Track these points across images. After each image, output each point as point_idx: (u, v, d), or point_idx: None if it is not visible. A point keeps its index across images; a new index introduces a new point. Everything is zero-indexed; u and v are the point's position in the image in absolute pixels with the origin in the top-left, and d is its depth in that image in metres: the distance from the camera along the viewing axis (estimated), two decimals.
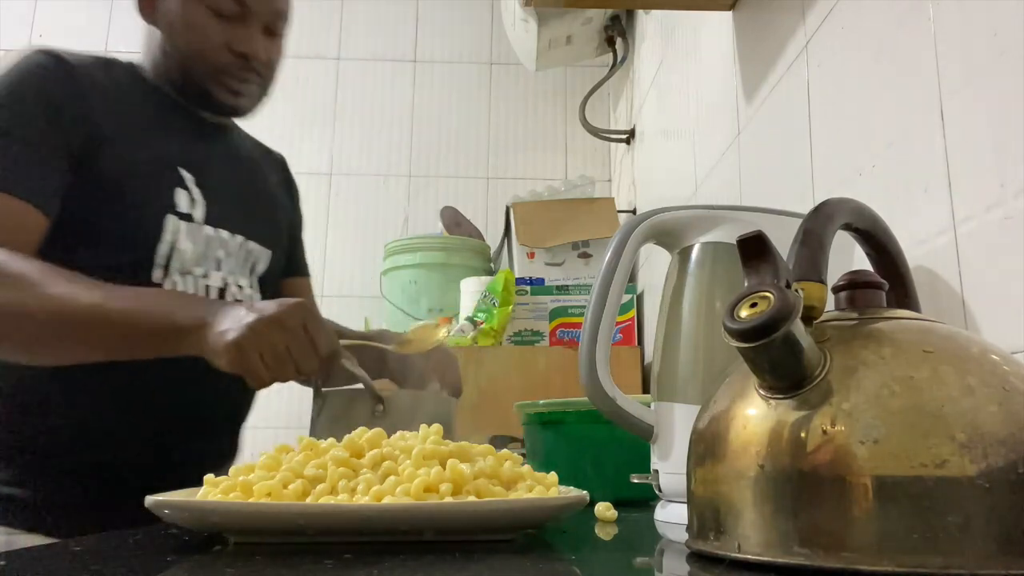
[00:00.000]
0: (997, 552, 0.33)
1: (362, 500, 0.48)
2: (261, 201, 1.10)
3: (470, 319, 1.79)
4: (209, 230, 0.97)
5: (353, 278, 2.28)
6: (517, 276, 1.83)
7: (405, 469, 0.51)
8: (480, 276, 1.93)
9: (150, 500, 0.48)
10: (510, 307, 1.76)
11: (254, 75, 1.00)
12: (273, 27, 1.02)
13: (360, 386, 0.88)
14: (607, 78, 2.09)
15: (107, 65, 0.97)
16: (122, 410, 0.91)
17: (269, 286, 1.08)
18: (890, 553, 0.34)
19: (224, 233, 0.99)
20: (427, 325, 0.98)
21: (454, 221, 2.16)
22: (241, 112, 1.03)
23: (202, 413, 0.97)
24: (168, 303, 0.82)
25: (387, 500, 0.48)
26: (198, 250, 0.95)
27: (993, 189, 0.56)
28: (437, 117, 2.42)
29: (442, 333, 0.97)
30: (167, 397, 0.92)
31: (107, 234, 0.90)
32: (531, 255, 1.87)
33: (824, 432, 0.36)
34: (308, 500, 0.49)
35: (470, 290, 1.87)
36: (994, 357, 0.38)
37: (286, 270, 1.15)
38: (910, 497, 0.34)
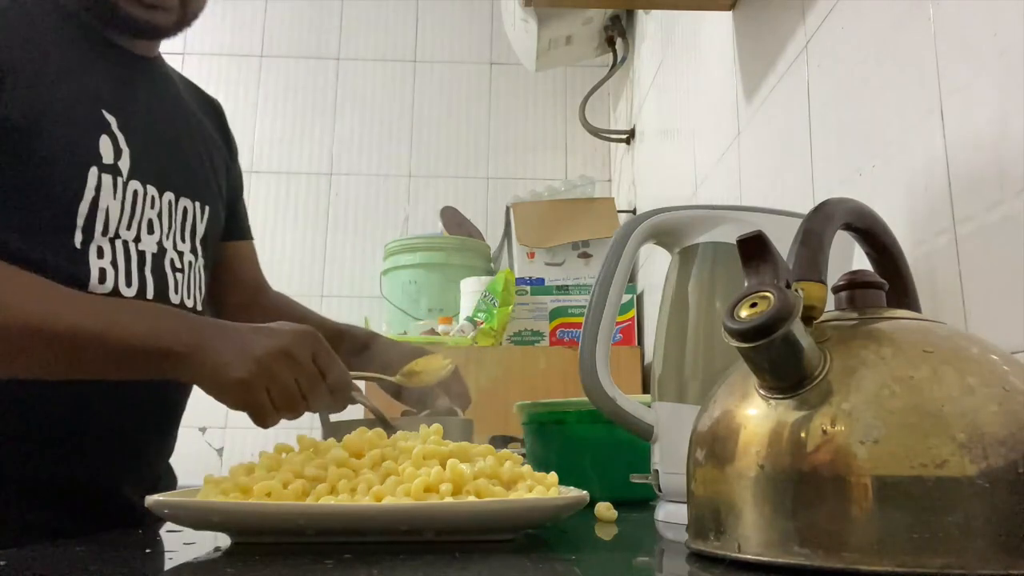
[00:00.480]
0: (997, 552, 0.33)
1: (362, 500, 0.48)
2: (195, 149, 0.95)
3: (470, 319, 1.79)
4: (136, 185, 0.83)
5: (353, 278, 2.28)
6: (517, 276, 1.83)
7: (405, 469, 0.51)
8: (480, 276, 1.93)
9: (150, 500, 0.48)
10: (510, 307, 1.76)
11: None
12: None
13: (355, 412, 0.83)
14: (607, 78, 2.09)
15: None
16: (49, 412, 0.78)
17: (210, 248, 0.95)
18: (890, 553, 0.34)
19: (152, 190, 0.85)
20: (433, 356, 0.91)
21: (454, 221, 2.16)
22: (159, 29, 0.87)
23: (136, 413, 0.85)
24: (150, 320, 0.71)
25: (387, 500, 0.48)
26: (125, 210, 0.81)
27: (993, 189, 0.56)
28: (437, 117, 2.42)
29: (448, 363, 0.91)
30: (96, 395, 0.80)
31: (15, 192, 0.75)
32: (531, 255, 1.87)
33: (824, 432, 0.36)
34: (308, 500, 0.49)
35: (470, 290, 1.87)
36: (994, 357, 0.38)
37: (227, 232, 1.02)
38: (910, 497, 0.34)
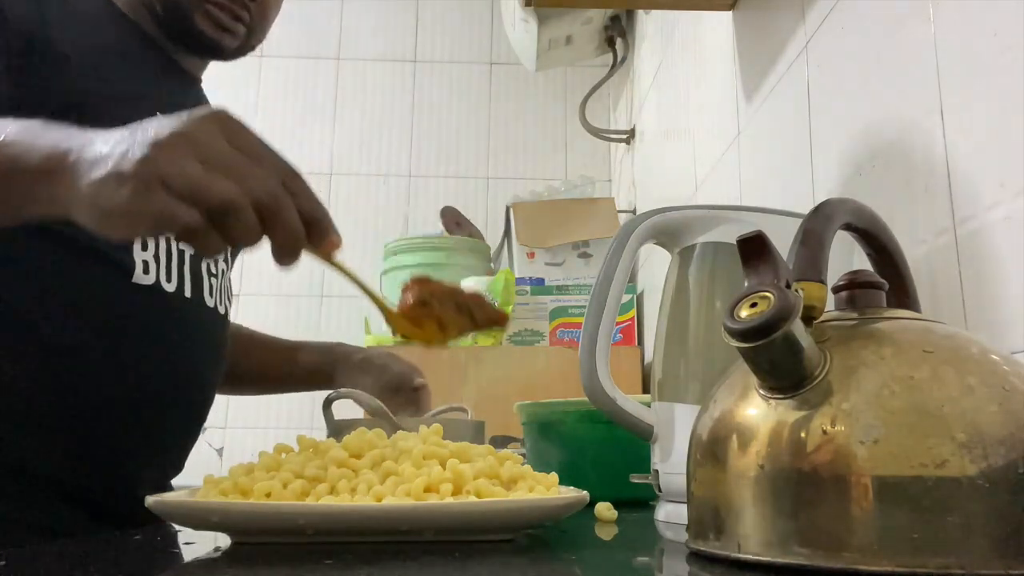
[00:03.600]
0: (997, 552, 0.33)
1: (362, 500, 0.48)
2: None
3: None
4: None
5: None
6: (517, 276, 1.83)
7: (405, 469, 0.51)
8: (480, 276, 1.93)
9: (150, 500, 0.48)
10: (510, 307, 1.76)
11: (244, 12, 0.88)
12: None
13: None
14: (607, 78, 2.09)
15: None
16: (75, 415, 0.76)
17: (232, 263, 0.96)
18: (890, 553, 0.34)
19: None
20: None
21: (454, 221, 2.16)
22: (223, 51, 0.90)
23: (165, 417, 0.84)
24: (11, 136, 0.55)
25: (387, 500, 0.48)
26: None
27: (993, 189, 0.56)
28: (437, 117, 2.42)
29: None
30: (126, 398, 0.78)
31: None
32: (531, 255, 1.87)
33: (824, 432, 0.36)
34: (308, 500, 0.49)
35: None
36: (994, 357, 0.38)
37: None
38: (910, 497, 0.34)
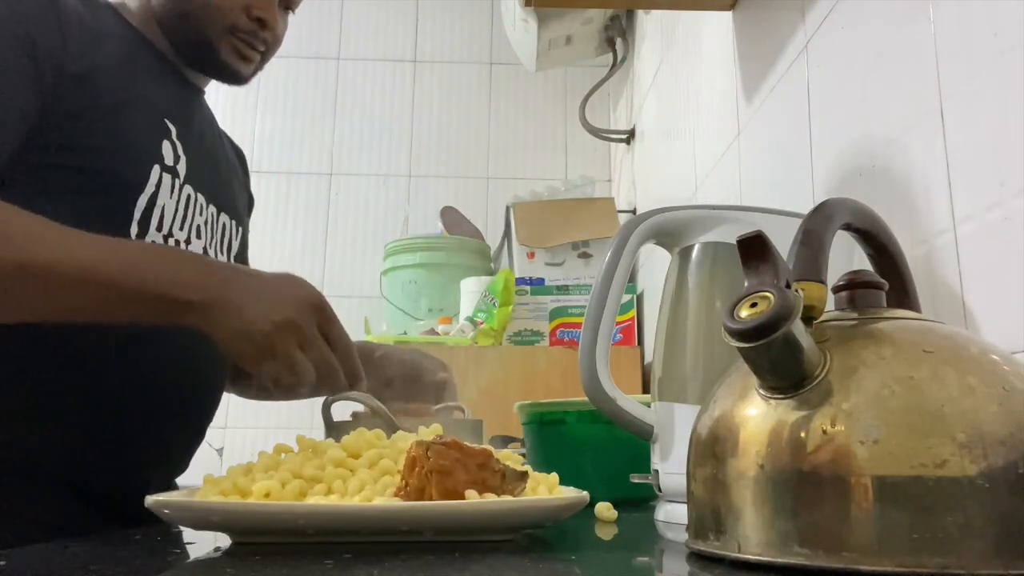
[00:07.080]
0: (997, 552, 0.33)
1: (360, 500, 0.48)
2: (230, 177, 1.02)
3: (470, 319, 1.79)
4: (189, 190, 0.88)
5: (353, 278, 2.28)
6: (517, 276, 1.83)
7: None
8: (480, 276, 1.93)
9: (150, 500, 0.48)
10: (510, 307, 1.76)
11: (262, 44, 0.93)
12: (290, 2, 0.96)
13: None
14: (607, 78, 2.09)
15: (89, 1, 0.86)
16: (84, 413, 0.79)
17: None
18: (890, 553, 0.34)
19: (201, 198, 0.90)
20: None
21: (454, 221, 2.16)
22: (241, 78, 0.95)
23: (173, 416, 0.86)
24: (171, 267, 0.71)
25: (377, 500, 0.48)
26: (179, 210, 0.86)
27: (993, 189, 0.56)
28: (437, 117, 2.42)
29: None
30: (134, 398, 0.81)
31: (80, 180, 0.78)
32: (531, 255, 1.87)
33: (824, 432, 0.36)
34: (307, 500, 0.49)
35: (470, 290, 1.87)
36: (994, 357, 0.38)
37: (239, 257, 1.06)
38: (910, 497, 0.34)
